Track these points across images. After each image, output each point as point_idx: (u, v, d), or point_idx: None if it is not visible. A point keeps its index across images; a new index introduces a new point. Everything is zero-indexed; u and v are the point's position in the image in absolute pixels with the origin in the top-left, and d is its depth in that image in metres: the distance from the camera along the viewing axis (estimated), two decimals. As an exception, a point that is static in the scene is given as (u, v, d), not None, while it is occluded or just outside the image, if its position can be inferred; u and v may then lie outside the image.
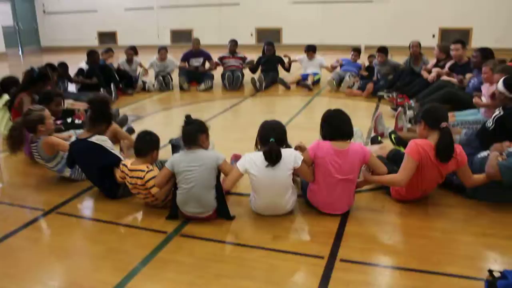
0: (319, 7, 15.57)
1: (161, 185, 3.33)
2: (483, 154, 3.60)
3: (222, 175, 3.36)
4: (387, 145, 4.08)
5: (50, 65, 6.89)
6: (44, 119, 4.01)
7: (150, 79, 8.94)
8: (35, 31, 19.42)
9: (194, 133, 3.27)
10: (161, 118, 6.78)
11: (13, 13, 18.17)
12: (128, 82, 8.46)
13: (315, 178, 3.31)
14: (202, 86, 8.53)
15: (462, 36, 14.10)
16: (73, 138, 3.91)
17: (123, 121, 5.70)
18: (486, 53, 5.89)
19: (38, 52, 18.93)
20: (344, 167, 3.21)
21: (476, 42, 13.99)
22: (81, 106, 6.38)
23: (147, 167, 3.38)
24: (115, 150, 3.78)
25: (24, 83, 5.28)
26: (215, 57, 9.20)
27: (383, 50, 7.88)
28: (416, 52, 7.52)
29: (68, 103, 6.54)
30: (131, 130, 5.23)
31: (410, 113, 5.39)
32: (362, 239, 3.02)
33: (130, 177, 3.39)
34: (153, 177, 3.33)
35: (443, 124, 3.22)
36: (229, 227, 3.24)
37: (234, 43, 9.09)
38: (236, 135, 5.43)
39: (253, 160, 3.19)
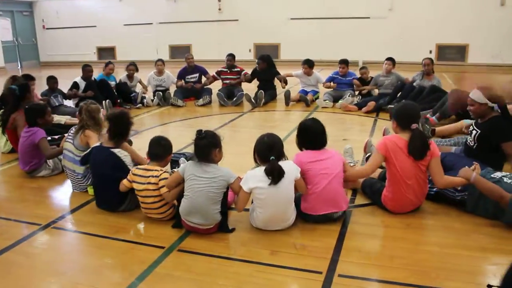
0: (316, 23, 15.71)
1: (170, 187, 3.38)
2: (496, 174, 3.52)
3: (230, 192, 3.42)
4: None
5: (27, 76, 6.75)
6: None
7: (148, 94, 8.95)
8: (34, 46, 19.54)
9: (207, 148, 3.26)
10: (160, 132, 6.76)
11: (13, 28, 18.30)
12: (126, 97, 8.49)
13: (308, 187, 3.36)
14: (201, 101, 8.55)
15: (458, 52, 14.36)
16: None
17: None
18: None
19: (37, 67, 19.01)
20: (328, 163, 3.37)
21: (473, 58, 14.16)
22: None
23: (161, 169, 3.49)
24: (132, 166, 3.76)
25: (11, 104, 5.29)
26: (212, 72, 9.24)
27: (391, 59, 8.01)
28: (428, 69, 7.58)
29: (66, 118, 6.56)
30: (129, 142, 5.27)
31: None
32: (360, 254, 3.01)
33: (145, 176, 3.44)
34: (166, 178, 3.40)
35: (413, 126, 3.38)
36: (227, 242, 3.23)
37: (231, 58, 9.08)
38: (234, 149, 5.42)
39: (256, 176, 3.22)
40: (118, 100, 8.20)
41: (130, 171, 3.57)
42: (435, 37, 14.36)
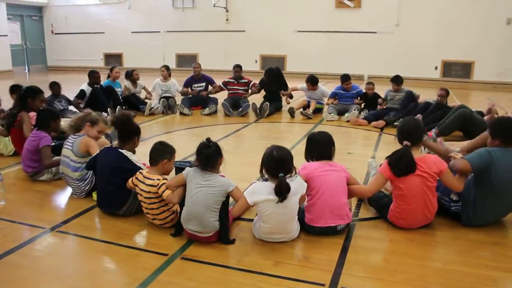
0: (323, 36, 15.80)
1: (172, 188, 3.40)
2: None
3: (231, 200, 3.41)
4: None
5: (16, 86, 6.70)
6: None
7: (154, 102, 8.95)
8: (42, 51, 19.70)
9: (215, 157, 3.31)
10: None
11: (22, 32, 18.48)
12: (133, 105, 8.56)
13: (311, 199, 3.39)
14: (207, 110, 8.57)
15: (464, 70, 14.41)
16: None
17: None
18: None
19: (44, 71, 19.16)
20: (333, 175, 3.41)
21: (478, 76, 14.20)
22: None
23: (158, 179, 3.46)
24: (140, 164, 3.83)
25: (17, 103, 5.54)
26: (218, 82, 9.31)
27: (395, 80, 8.03)
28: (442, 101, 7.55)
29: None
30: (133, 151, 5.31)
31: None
32: (363, 268, 3.01)
33: (146, 184, 3.46)
34: (164, 184, 3.42)
35: (406, 143, 3.39)
36: (231, 251, 3.23)
37: (239, 69, 9.17)
38: (239, 160, 5.45)
39: (262, 191, 3.18)
40: (124, 107, 8.24)
41: (135, 175, 3.60)
42: (441, 53, 14.41)
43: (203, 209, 3.19)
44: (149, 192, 3.45)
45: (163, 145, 3.69)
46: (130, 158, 3.81)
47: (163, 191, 3.39)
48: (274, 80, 8.95)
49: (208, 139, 3.37)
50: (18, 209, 4.05)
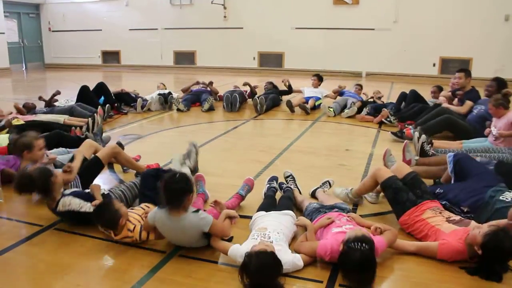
0: (321, 33, 15.78)
1: (150, 230, 3.20)
2: (506, 196, 3.36)
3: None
4: (403, 166, 3.95)
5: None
6: (32, 147, 4.15)
7: (148, 96, 8.88)
8: (39, 48, 19.65)
9: (181, 195, 2.91)
10: (161, 138, 6.77)
11: (19, 30, 18.43)
12: (125, 102, 8.58)
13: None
14: (206, 105, 8.53)
15: (462, 66, 14.36)
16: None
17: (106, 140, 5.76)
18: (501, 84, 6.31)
19: (42, 68, 19.12)
20: None
21: (476, 72, 14.18)
22: (76, 122, 6.36)
23: (128, 230, 3.20)
24: (85, 203, 3.47)
25: None
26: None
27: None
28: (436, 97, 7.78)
29: (65, 118, 6.51)
30: (121, 145, 5.23)
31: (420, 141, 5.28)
32: (361, 265, 3.00)
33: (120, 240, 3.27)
34: (141, 227, 3.21)
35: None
36: (228, 248, 3.22)
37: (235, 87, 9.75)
38: (236, 157, 5.44)
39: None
40: (116, 104, 8.23)
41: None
42: (439, 50, 14.41)
43: (187, 243, 3.12)
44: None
45: (108, 210, 3.16)
46: (69, 208, 3.44)
47: (147, 237, 3.20)
48: (274, 87, 9.52)
49: (173, 174, 2.99)
50: (16, 207, 4.05)
